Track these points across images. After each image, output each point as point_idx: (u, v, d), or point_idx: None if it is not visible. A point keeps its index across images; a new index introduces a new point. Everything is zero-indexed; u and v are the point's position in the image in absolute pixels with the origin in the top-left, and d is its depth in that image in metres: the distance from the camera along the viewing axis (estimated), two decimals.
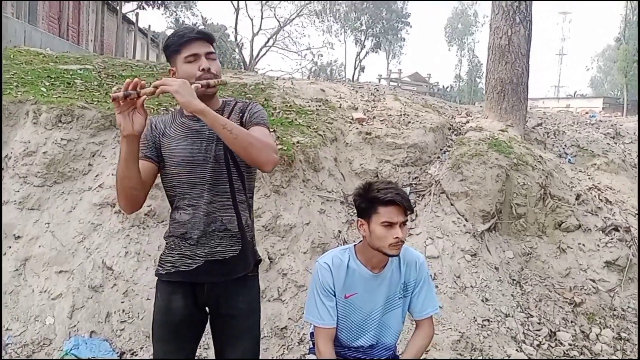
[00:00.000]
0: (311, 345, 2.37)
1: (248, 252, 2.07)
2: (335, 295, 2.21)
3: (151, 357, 3.44)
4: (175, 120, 2.05)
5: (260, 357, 2.18)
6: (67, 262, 3.80)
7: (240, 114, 2.04)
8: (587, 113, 9.42)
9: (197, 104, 1.80)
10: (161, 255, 2.08)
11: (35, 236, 3.89)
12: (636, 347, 3.96)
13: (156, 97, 1.95)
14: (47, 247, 3.84)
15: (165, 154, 2.01)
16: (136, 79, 1.81)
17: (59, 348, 3.41)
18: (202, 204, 1.97)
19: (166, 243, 2.07)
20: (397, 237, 2.05)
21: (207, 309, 2.09)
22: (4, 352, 3.36)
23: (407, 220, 2.13)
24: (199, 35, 2.00)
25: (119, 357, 3.39)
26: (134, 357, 3.41)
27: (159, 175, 2.09)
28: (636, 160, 6.32)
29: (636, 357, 3.86)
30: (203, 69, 1.95)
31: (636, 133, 6.99)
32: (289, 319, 3.78)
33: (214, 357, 2.18)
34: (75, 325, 3.54)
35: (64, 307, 3.60)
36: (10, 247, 3.83)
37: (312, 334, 2.29)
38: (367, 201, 2.13)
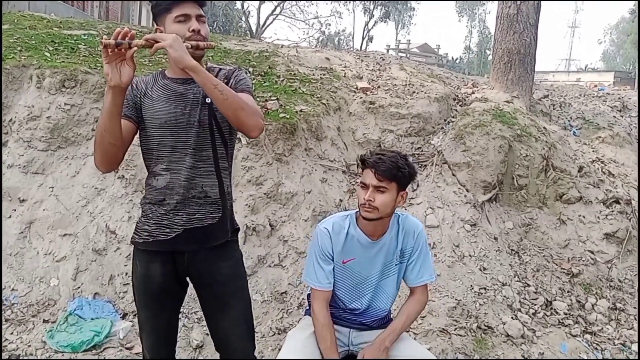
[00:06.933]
0: (307, 307, 2.42)
1: (227, 220, 2.05)
2: (333, 260, 2.25)
3: None
4: (157, 82, 2.01)
5: (254, 321, 2.22)
6: (71, 226, 3.86)
7: (225, 81, 1.98)
8: (595, 86, 9.29)
9: (189, 60, 1.76)
10: (137, 222, 2.05)
11: (40, 200, 3.94)
12: (630, 317, 4.01)
13: (151, 54, 1.93)
14: (51, 211, 3.89)
15: (147, 116, 1.97)
16: (127, 29, 1.76)
17: (63, 308, 3.49)
18: (182, 169, 1.93)
19: (142, 210, 2.04)
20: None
21: (187, 278, 2.08)
22: (10, 311, 3.45)
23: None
24: None
25: (121, 318, 3.48)
26: (135, 318, 3.49)
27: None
28: None
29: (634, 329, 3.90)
30: (193, 30, 1.91)
31: None
32: (289, 284, 3.85)
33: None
34: (79, 287, 3.62)
35: (68, 269, 3.68)
36: (15, 210, 3.89)
37: (309, 296, 2.34)
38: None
